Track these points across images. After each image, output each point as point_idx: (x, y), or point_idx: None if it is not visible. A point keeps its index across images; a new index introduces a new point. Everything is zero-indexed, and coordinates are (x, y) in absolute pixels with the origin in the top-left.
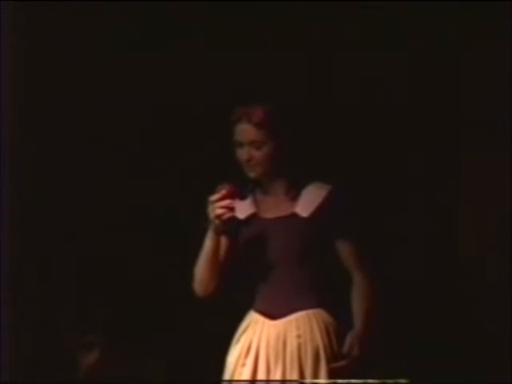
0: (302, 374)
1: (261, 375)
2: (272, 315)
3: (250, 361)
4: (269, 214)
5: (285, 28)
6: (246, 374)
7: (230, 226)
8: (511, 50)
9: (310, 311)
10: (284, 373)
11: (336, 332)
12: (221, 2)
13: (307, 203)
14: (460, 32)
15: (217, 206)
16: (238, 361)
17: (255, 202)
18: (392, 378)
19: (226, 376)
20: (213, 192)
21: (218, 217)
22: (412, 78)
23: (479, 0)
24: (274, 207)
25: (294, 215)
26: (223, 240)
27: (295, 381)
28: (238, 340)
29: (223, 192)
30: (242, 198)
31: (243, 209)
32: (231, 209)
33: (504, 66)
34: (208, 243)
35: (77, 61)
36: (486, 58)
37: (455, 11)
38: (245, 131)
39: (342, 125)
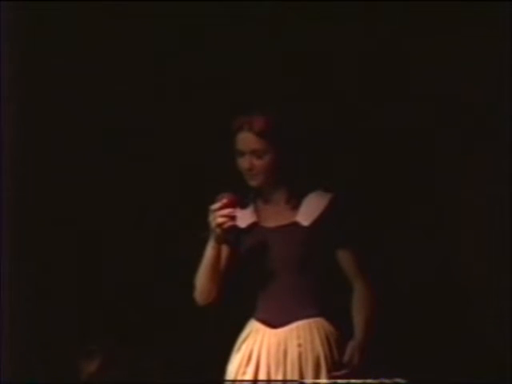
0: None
1: None
2: (273, 324)
3: (250, 369)
4: (270, 222)
5: (286, 31)
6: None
7: (231, 234)
8: (511, 49)
9: (311, 320)
10: (285, 381)
11: (337, 341)
12: (221, 2)
13: (308, 212)
14: (460, 30)
15: (218, 215)
16: (238, 369)
17: (256, 211)
18: (390, 378)
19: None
20: (214, 201)
21: (219, 225)
22: (412, 79)
23: (479, 0)
24: (275, 216)
25: (295, 224)
26: (224, 249)
27: (296, 381)
28: (239, 348)
29: (224, 201)
30: (243, 206)
31: (244, 217)
32: (232, 218)
33: (504, 64)
34: (209, 252)
35: (76, 60)
36: (486, 55)
37: (455, 11)
38: (246, 140)
39: (343, 133)
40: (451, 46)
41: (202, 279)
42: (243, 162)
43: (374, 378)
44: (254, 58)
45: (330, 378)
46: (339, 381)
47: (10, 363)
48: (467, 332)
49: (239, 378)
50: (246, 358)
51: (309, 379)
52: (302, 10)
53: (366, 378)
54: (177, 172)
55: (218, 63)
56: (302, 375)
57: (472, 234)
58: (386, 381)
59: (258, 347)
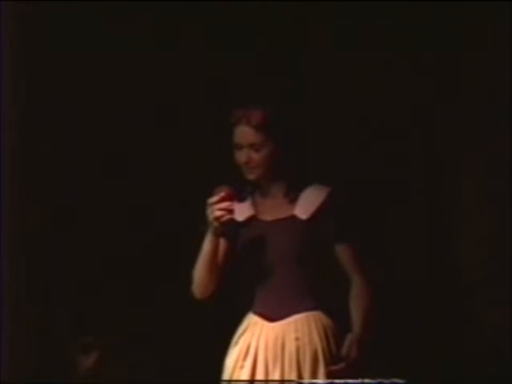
0: (300, 377)
1: (259, 377)
2: (271, 317)
3: (248, 363)
4: (268, 216)
5: (285, 28)
6: (244, 376)
7: (229, 228)
8: (511, 49)
9: (309, 313)
10: (282, 375)
11: (334, 334)
12: (221, 2)
13: (306, 205)
14: (460, 32)
15: (216, 208)
16: (236, 363)
17: (254, 204)
18: (388, 378)
19: (225, 378)
20: (211, 194)
21: (217, 219)
22: (412, 77)
23: (479, 0)
24: (273, 209)
25: (293, 217)
26: (222, 242)
27: (293, 381)
28: (237, 342)
29: (222, 194)
30: (241, 200)
31: (242, 211)
32: (230, 211)
33: (504, 65)
34: (207, 245)
35: (76, 60)
36: (486, 57)
37: (455, 11)
38: (244, 133)
39: (341, 126)
40: (451, 47)
41: (199, 272)
42: (241, 156)
43: (372, 379)
44: (254, 55)
45: (327, 372)
46: (336, 381)
47: (10, 361)
48: (467, 332)
49: (237, 371)
50: (243, 351)
51: (306, 373)
52: (302, 9)
53: (364, 378)
54: (174, 166)
55: (218, 60)
56: (299, 369)
57: (472, 232)
58: (385, 381)
59: (255, 341)
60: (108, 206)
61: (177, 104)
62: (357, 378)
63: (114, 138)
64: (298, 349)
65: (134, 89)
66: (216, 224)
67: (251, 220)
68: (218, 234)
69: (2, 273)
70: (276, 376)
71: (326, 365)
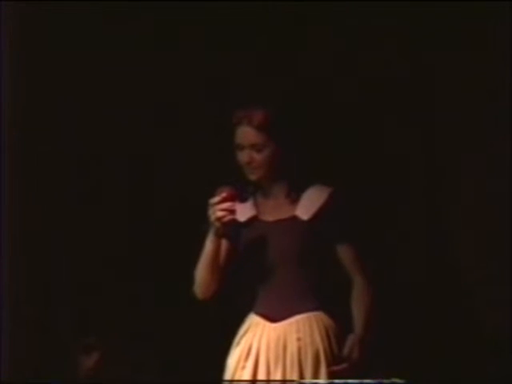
0: (302, 377)
1: (261, 378)
2: (272, 318)
3: (250, 363)
4: (269, 216)
5: (285, 28)
6: (245, 377)
7: (231, 228)
8: (511, 50)
9: (311, 314)
10: (284, 375)
11: (336, 335)
12: (221, 2)
13: (308, 206)
14: (460, 32)
15: (217, 209)
16: (238, 363)
17: (256, 205)
18: (388, 378)
19: (226, 378)
20: (213, 195)
21: (219, 219)
22: (412, 78)
23: (479, 0)
24: (275, 210)
25: (295, 218)
26: (224, 242)
27: (295, 381)
28: (239, 343)
29: (224, 195)
30: (243, 200)
31: (244, 211)
32: (232, 211)
33: (504, 65)
34: (208, 246)
35: (76, 60)
36: (486, 57)
37: (455, 11)
38: (245, 134)
39: (343, 127)
40: (451, 47)
41: (201, 273)
42: (243, 156)
43: (372, 379)
44: (254, 55)
45: (329, 372)
46: (337, 381)
47: (10, 361)
48: (467, 332)
49: (238, 372)
50: (245, 352)
51: (308, 373)
52: (302, 9)
53: (364, 378)
54: (175, 167)
55: (218, 60)
56: (301, 369)
57: (472, 232)
58: (384, 381)
59: (257, 341)
60: (108, 206)
61: (177, 104)
62: (358, 378)
63: (114, 137)
64: (299, 349)
65: (134, 89)
66: (218, 224)
67: (253, 220)
68: (219, 235)
69: (2, 273)
70: (278, 376)
71: (328, 365)
